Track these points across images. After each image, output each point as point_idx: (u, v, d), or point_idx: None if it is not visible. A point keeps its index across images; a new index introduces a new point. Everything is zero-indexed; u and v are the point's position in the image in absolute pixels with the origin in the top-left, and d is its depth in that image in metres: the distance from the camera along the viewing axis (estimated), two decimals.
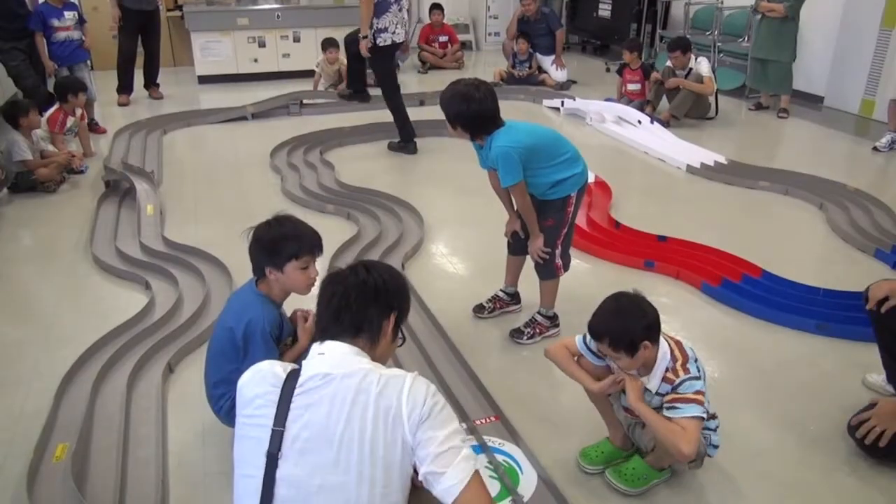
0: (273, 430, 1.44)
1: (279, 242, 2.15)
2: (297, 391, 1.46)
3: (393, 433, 1.44)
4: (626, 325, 1.96)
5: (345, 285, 1.59)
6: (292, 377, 1.49)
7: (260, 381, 1.52)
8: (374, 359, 1.58)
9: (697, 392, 1.96)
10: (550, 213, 2.85)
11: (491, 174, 2.89)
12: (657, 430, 1.97)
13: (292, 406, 1.45)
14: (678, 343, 2.07)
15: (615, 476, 2.18)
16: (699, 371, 2.01)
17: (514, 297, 3.24)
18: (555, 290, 3.02)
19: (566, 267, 2.99)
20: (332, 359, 1.52)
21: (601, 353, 2.13)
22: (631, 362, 1.99)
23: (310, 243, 2.19)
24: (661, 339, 2.04)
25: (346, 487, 1.41)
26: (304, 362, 1.53)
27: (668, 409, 1.97)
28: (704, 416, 1.97)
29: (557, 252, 2.92)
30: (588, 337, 2.16)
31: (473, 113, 2.67)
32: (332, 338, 1.56)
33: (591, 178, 4.72)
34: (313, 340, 1.61)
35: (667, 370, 2.01)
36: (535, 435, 2.40)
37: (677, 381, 1.98)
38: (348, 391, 1.45)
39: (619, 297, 2.04)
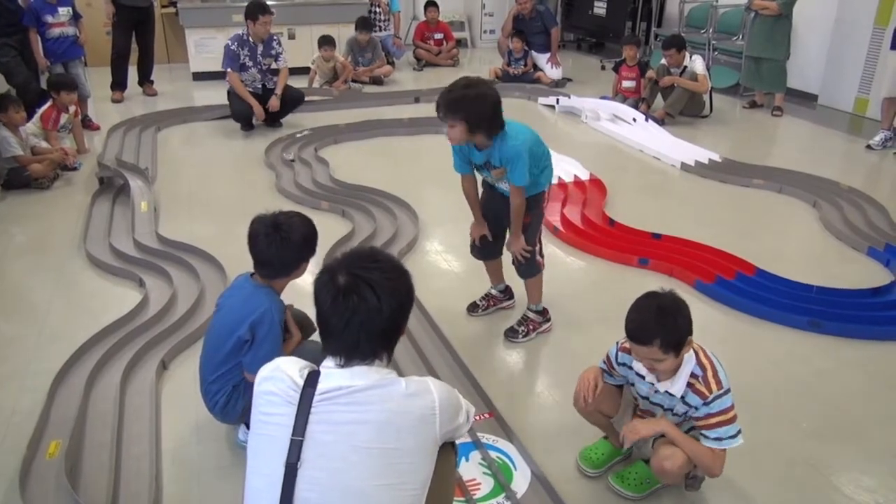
0: (293, 439, 1.42)
1: (314, 235, 2.27)
2: (317, 398, 1.44)
3: (421, 436, 1.46)
4: (675, 324, 1.89)
5: (359, 319, 1.47)
6: (310, 382, 1.46)
7: (279, 381, 1.48)
8: (390, 355, 1.57)
9: (731, 406, 1.95)
10: (529, 210, 2.83)
11: (466, 177, 2.90)
12: (693, 454, 1.96)
13: (313, 412, 1.43)
14: (702, 348, 2.01)
15: (619, 481, 2.17)
16: (726, 377, 1.97)
17: (507, 293, 3.24)
18: (540, 285, 3.02)
19: (543, 261, 2.99)
20: (351, 370, 1.49)
21: (614, 367, 2.15)
22: (674, 362, 1.93)
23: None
24: None
25: (370, 490, 1.41)
26: (322, 371, 1.49)
27: (717, 439, 1.94)
28: (740, 431, 1.97)
29: (537, 248, 2.92)
30: (612, 357, 2.16)
31: (493, 111, 2.62)
32: (349, 359, 1.49)
33: (585, 176, 4.76)
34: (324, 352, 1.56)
35: (694, 377, 1.96)
36: (528, 431, 2.41)
37: (711, 396, 1.92)
38: (372, 399, 1.44)
39: (657, 296, 1.96)
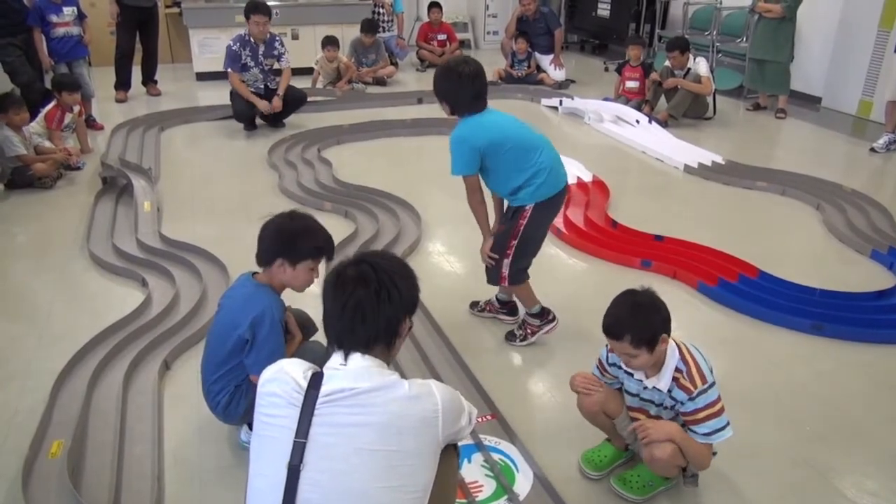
0: (295, 441, 1.42)
1: (302, 238, 2.16)
2: (320, 400, 1.44)
3: (423, 438, 1.47)
4: (647, 320, 1.94)
5: (357, 298, 1.51)
6: (314, 384, 1.47)
7: (283, 383, 1.49)
8: (390, 358, 1.59)
9: (717, 399, 1.97)
10: (504, 219, 2.81)
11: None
12: (690, 452, 1.99)
13: (316, 414, 1.43)
14: (684, 344, 2.05)
15: (621, 484, 2.17)
16: (711, 372, 2.00)
17: (507, 307, 3.15)
18: (526, 291, 2.93)
19: (514, 280, 2.85)
20: (354, 372, 1.50)
21: (606, 368, 2.17)
22: (649, 359, 1.97)
23: (329, 248, 2.23)
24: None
25: (372, 492, 1.41)
26: (325, 373, 1.50)
27: (707, 434, 1.98)
28: (729, 423, 2.00)
29: (506, 262, 2.81)
30: (602, 359, 2.18)
31: (456, 89, 2.63)
32: (349, 349, 1.52)
33: (588, 178, 4.75)
34: (329, 347, 1.58)
35: (679, 371, 1.99)
36: (531, 434, 2.41)
37: (695, 392, 1.96)
38: (375, 401, 1.44)
39: (633, 293, 2.02)
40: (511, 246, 2.80)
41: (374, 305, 1.52)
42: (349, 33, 8.02)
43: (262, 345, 2.12)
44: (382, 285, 1.53)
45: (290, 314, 2.30)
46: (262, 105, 5.85)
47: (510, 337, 3.00)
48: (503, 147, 2.67)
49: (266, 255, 2.18)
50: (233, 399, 2.23)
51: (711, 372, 2.00)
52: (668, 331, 1.98)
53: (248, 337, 2.13)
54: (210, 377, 2.24)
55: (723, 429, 1.98)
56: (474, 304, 3.22)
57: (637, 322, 1.94)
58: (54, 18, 5.86)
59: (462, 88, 2.64)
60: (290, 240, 2.16)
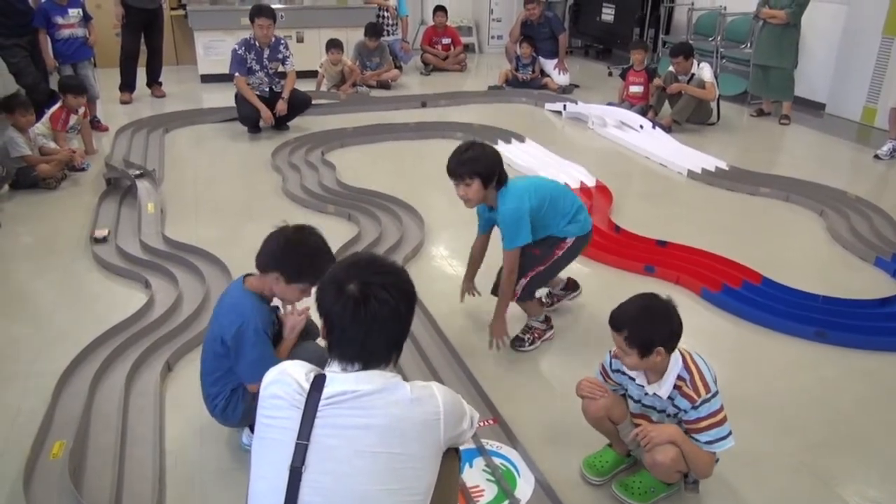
0: (297, 443, 1.42)
1: (307, 262, 2.12)
2: (322, 402, 1.44)
3: (425, 441, 1.46)
4: (652, 325, 1.95)
5: (385, 328, 1.49)
6: (316, 387, 1.46)
7: (285, 385, 1.48)
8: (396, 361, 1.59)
9: (720, 409, 1.98)
10: (541, 245, 2.84)
11: (481, 238, 2.99)
12: (692, 458, 2.00)
13: (318, 416, 1.43)
14: (688, 353, 2.05)
15: (623, 490, 2.17)
16: (714, 381, 2.00)
17: (568, 286, 3.24)
18: (535, 304, 2.99)
19: (523, 297, 2.90)
20: (356, 374, 1.49)
21: (609, 374, 2.19)
22: (638, 362, 1.98)
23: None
24: None
25: (373, 495, 1.41)
26: (327, 375, 1.49)
27: (709, 442, 1.98)
28: (731, 432, 2.00)
29: (522, 281, 2.85)
30: (606, 364, 2.20)
31: (500, 160, 2.73)
32: (369, 367, 1.49)
33: (591, 183, 4.75)
34: (329, 353, 1.56)
35: (681, 379, 2.00)
36: (532, 438, 2.41)
37: (699, 400, 1.96)
38: (377, 403, 1.44)
39: (653, 296, 2.03)
40: (536, 270, 2.86)
41: (397, 327, 1.52)
42: (353, 37, 8.03)
43: (246, 355, 2.11)
44: (399, 304, 1.51)
45: (307, 315, 2.28)
46: (266, 115, 5.86)
47: (518, 343, 2.98)
48: (545, 202, 2.77)
49: (265, 262, 2.16)
50: (230, 402, 2.23)
51: (715, 381, 2.00)
52: (670, 346, 1.98)
53: (232, 345, 2.12)
54: (207, 380, 2.25)
55: (724, 438, 1.99)
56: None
57: (640, 322, 1.95)
58: (59, 20, 5.87)
59: (500, 163, 2.73)
60: (293, 259, 2.12)
